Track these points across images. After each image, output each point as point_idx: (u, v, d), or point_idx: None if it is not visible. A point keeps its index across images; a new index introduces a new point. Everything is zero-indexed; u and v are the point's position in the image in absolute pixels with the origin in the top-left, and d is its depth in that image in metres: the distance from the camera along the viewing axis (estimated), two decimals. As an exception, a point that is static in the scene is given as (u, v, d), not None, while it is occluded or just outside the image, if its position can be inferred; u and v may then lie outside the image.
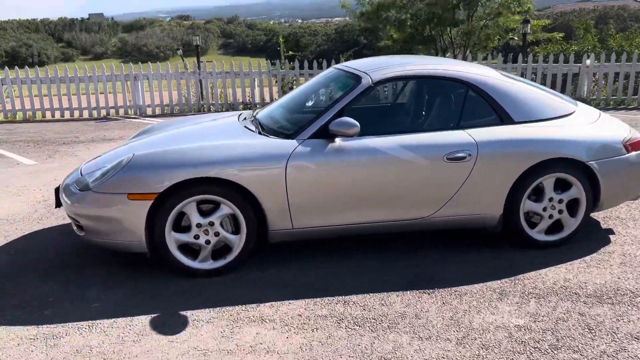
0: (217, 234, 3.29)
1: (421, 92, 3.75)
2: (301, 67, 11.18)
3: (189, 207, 3.24)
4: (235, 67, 11.08)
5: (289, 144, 3.33)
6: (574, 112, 3.77)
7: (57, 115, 11.06)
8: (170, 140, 3.74)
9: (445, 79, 3.62)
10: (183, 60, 13.07)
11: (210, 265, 3.35)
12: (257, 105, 11.21)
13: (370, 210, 3.42)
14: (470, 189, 3.46)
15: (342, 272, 3.39)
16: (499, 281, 3.22)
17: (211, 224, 3.27)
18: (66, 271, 3.47)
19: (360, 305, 2.98)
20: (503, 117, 3.57)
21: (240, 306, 3.00)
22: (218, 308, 2.98)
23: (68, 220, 4.38)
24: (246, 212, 3.29)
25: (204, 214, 3.28)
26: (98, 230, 3.28)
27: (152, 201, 3.17)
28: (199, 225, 3.26)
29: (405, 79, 3.56)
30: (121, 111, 11.23)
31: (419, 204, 3.47)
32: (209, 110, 11.26)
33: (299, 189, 3.30)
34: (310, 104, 4.08)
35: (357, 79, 3.56)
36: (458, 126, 3.53)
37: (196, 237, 3.28)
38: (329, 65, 11.23)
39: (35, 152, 7.30)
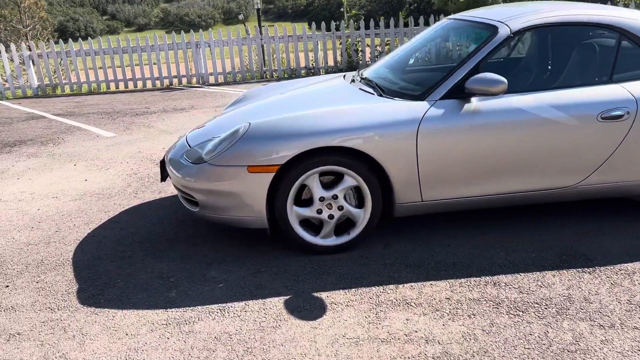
0: (340, 208, 3.01)
1: (565, 42, 3.29)
2: (366, 27, 10.66)
3: (312, 179, 2.95)
4: (298, 31, 10.68)
5: (420, 107, 2.97)
6: None
7: (121, 86, 11.02)
8: (281, 106, 3.44)
9: (595, 26, 3.15)
10: (245, 26, 12.74)
11: (333, 241, 3.08)
12: (321, 70, 10.82)
13: (508, 180, 3.05)
14: (625, 152, 3.03)
15: (472, 247, 3.06)
16: (666, 258, 2.81)
17: (334, 197, 2.98)
18: (178, 248, 3.27)
19: (514, 287, 2.64)
20: (664, 69, 3.09)
21: (377, 287, 2.72)
22: (353, 289, 2.71)
23: (165, 194, 4.20)
24: (372, 184, 2.99)
25: (325, 186, 3.00)
26: (214, 206, 3.05)
27: (273, 174, 2.90)
28: (321, 199, 2.98)
29: (548, 27, 3.10)
30: (184, 80, 11.08)
31: (565, 171, 3.06)
32: (272, 77, 10.95)
33: (430, 157, 2.96)
34: (428, 60, 3.68)
35: (491, 29, 3.13)
36: (611, 80, 3.08)
37: (319, 211, 3.01)
38: (397, 25, 10.67)
39: (110, 124, 7.21)
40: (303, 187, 2.99)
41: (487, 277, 2.75)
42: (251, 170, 2.91)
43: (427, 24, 10.43)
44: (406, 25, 10.57)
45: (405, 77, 3.49)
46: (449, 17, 3.90)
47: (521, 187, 3.08)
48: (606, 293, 2.54)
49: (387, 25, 10.56)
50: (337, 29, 10.69)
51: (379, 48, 10.76)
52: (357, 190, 3.04)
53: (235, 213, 3.02)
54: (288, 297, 2.68)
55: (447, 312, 2.48)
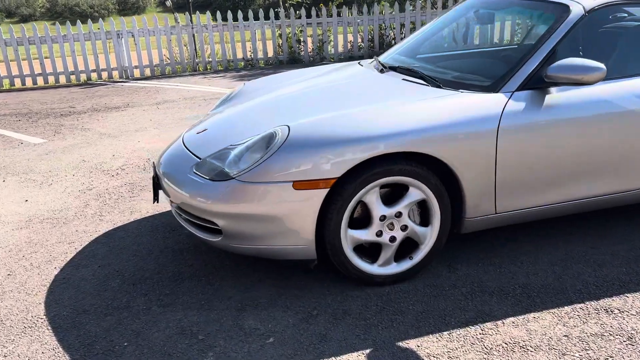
0: (404, 228, 2.43)
1: (638, 24, 2.92)
2: (308, 15, 10.05)
3: (371, 194, 2.35)
4: (233, 20, 9.84)
5: (497, 99, 2.46)
6: None
7: (29, 82, 9.57)
8: (310, 102, 2.79)
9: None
10: (173, 13, 11.61)
11: (394, 268, 2.49)
12: (260, 62, 10.08)
13: (594, 182, 2.63)
14: None
15: (550, 264, 2.62)
16: None
17: (397, 214, 2.40)
18: (190, 289, 2.53)
19: (632, 314, 2.22)
20: None
21: (472, 327, 2.19)
22: (446, 333, 2.15)
23: (141, 214, 3.38)
24: (442, 196, 2.44)
25: (385, 202, 2.41)
26: (246, 234, 2.35)
27: (327, 190, 2.26)
28: (382, 218, 2.38)
29: (626, 4, 2.71)
30: (104, 74, 9.83)
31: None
32: (206, 70, 10.03)
33: (510, 160, 2.46)
34: (466, 44, 3.18)
35: (561, 8, 2.68)
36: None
37: (379, 233, 2.41)
38: (351, 8, 10.12)
39: (33, 127, 6.05)
40: (356, 205, 2.38)
41: (593, 303, 2.31)
42: (298, 186, 2.25)
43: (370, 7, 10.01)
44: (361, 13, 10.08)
45: (452, 65, 2.97)
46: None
47: (607, 190, 2.68)
48: None
49: (339, 14, 10.02)
50: (277, 17, 9.98)
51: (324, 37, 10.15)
52: (419, 204, 2.48)
53: (275, 242, 2.34)
54: (369, 351, 2.07)
55: (577, 355, 2.00)
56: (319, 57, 10.09)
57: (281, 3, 10.72)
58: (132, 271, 2.72)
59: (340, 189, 2.28)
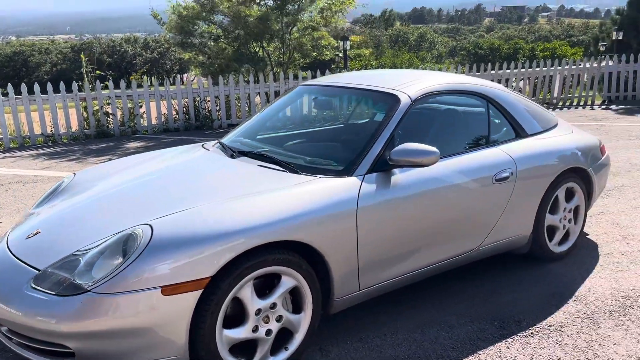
0: (279, 319, 2.37)
1: (452, 109, 3.37)
2: (117, 86, 9.55)
3: (246, 289, 2.26)
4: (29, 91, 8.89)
5: (352, 183, 2.60)
6: (558, 121, 3.85)
7: None
8: (164, 194, 2.60)
9: (472, 94, 3.31)
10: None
11: (270, 364, 2.39)
12: (63, 137, 9.19)
13: (434, 249, 2.91)
14: (509, 210, 3.22)
15: (409, 331, 2.78)
16: (562, 309, 3.03)
17: (272, 306, 2.34)
18: None
19: (490, 370, 2.45)
20: (519, 131, 3.43)
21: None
22: None
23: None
24: (313, 281, 2.45)
25: (257, 294, 2.33)
26: (107, 352, 2.04)
27: (201, 291, 2.10)
28: (257, 312, 2.29)
29: (438, 94, 3.11)
30: None
31: (473, 234, 3.09)
32: (-4, 147, 8.78)
33: (368, 238, 2.60)
34: (320, 127, 3.33)
35: (392, 98, 2.98)
36: (490, 144, 3.26)
37: (254, 329, 2.30)
38: (171, 81, 9.85)
39: None
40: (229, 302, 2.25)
41: (456, 365, 2.49)
42: (168, 292, 2.05)
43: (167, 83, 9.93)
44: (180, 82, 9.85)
45: (302, 149, 3.07)
46: (304, 83, 3.65)
47: (444, 255, 2.98)
48: (564, 356, 2.56)
49: (139, 85, 9.68)
50: (80, 89, 9.28)
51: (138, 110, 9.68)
52: (291, 292, 2.45)
53: (144, 356, 2.07)
54: None
55: (459, 422, 2.12)
56: (131, 130, 9.61)
57: (84, 75, 10.03)
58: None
59: (214, 288, 2.14)
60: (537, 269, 3.48)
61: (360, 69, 14.37)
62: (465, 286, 3.27)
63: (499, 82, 11.72)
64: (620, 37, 13.78)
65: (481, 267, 3.49)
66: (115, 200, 2.63)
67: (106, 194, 2.73)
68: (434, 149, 2.66)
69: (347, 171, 2.67)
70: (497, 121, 3.39)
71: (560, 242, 3.64)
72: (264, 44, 11.32)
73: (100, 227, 2.32)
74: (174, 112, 10.08)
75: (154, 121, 9.89)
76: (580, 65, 12.21)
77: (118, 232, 2.20)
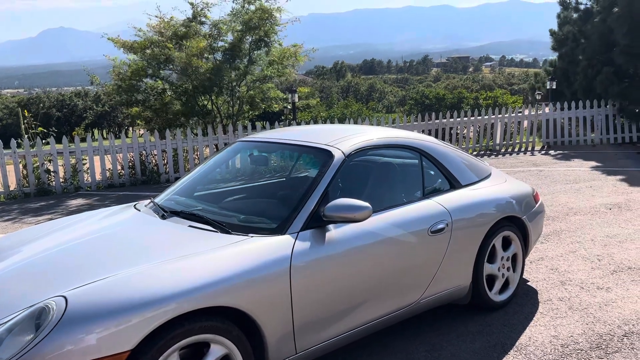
0: (208, 390, 2.24)
1: (386, 163, 3.40)
2: (58, 141, 9.28)
3: (171, 360, 2.13)
4: (-36, 149, 8.52)
5: (285, 241, 2.55)
6: (491, 171, 3.95)
7: None
8: (84, 261, 2.47)
9: (406, 147, 3.37)
10: None
11: None
12: (2, 197, 8.79)
13: (373, 305, 2.86)
14: (447, 261, 3.23)
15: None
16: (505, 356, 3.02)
17: (201, 377, 2.21)
18: None
19: None
20: (453, 182, 3.50)
21: None
22: None
23: None
24: (245, 348, 2.35)
25: (184, 365, 2.21)
26: None
27: (120, 366, 1.97)
28: (184, 385, 2.16)
29: (372, 148, 3.15)
30: None
31: (412, 287, 3.07)
32: None
33: (303, 299, 2.53)
34: (254, 184, 3.29)
35: (326, 153, 2.99)
36: (425, 196, 3.30)
37: (181, 403, 2.16)
38: (107, 133, 9.64)
39: None
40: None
41: None
42: (83, 369, 1.91)
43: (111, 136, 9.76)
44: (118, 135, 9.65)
45: (235, 206, 3.00)
46: (241, 139, 3.63)
47: (384, 311, 2.94)
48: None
49: (82, 140, 9.45)
50: (19, 146, 8.98)
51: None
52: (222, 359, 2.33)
53: None
54: None
55: None
56: (74, 187, 9.30)
57: (23, 131, 9.74)
58: None
59: (135, 361, 2.01)
60: (479, 320, 3.48)
61: (310, 120, 14.58)
62: (406, 344, 3.21)
63: (444, 130, 12.11)
64: (554, 87, 14.58)
65: (429, 319, 3.46)
66: (33, 270, 2.47)
67: (25, 263, 2.57)
68: (366, 204, 2.66)
69: (280, 229, 2.62)
70: (431, 173, 3.45)
71: (501, 291, 3.67)
72: (213, 97, 11.36)
73: (12, 300, 2.17)
74: (119, 167, 9.85)
75: (98, 177, 9.62)
76: (519, 113, 12.79)
77: (30, 306, 2.05)
